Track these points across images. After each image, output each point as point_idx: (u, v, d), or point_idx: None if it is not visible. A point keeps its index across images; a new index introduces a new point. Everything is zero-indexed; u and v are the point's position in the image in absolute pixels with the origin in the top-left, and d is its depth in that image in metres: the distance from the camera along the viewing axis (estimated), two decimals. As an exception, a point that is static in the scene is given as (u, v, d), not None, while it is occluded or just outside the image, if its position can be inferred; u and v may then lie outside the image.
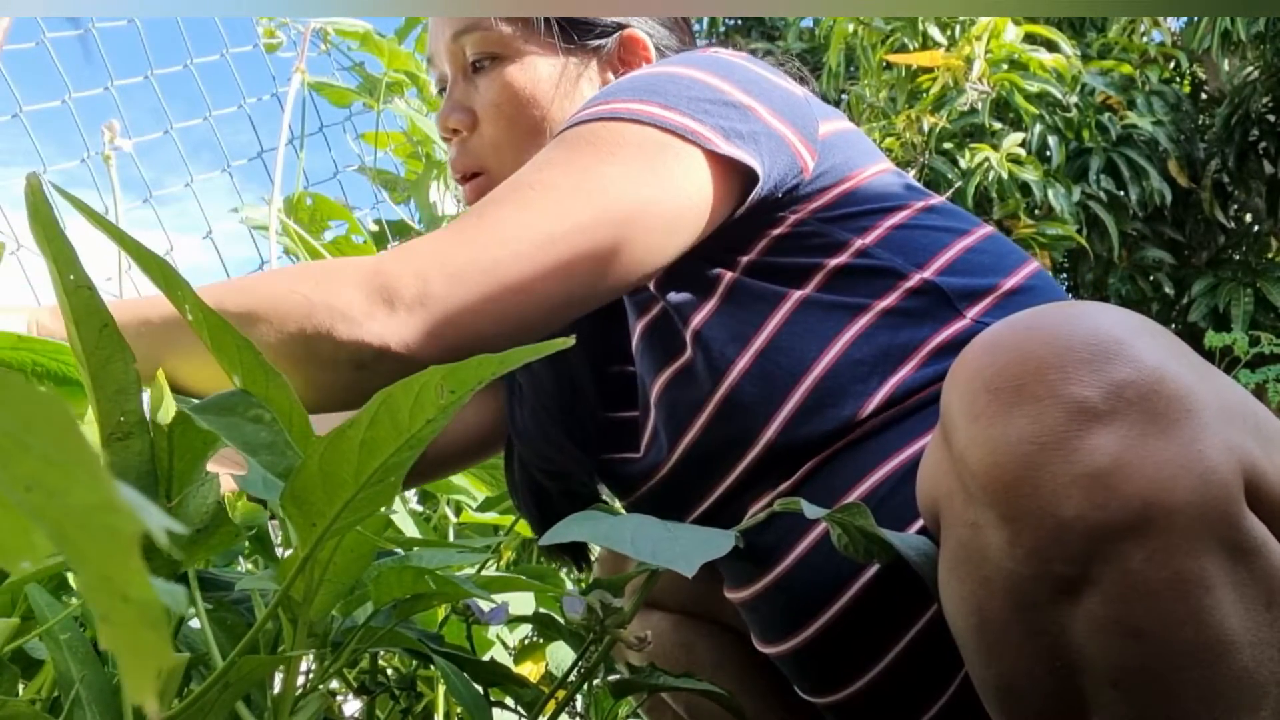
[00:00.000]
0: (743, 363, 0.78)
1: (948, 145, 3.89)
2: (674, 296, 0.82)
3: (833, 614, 0.74)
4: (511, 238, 0.69)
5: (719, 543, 0.56)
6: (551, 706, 0.68)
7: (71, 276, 0.49)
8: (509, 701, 0.83)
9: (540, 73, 0.88)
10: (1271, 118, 4.91)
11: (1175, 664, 0.48)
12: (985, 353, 0.54)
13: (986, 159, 3.71)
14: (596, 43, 0.91)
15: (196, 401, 0.53)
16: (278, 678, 0.57)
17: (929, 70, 4.04)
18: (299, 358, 0.65)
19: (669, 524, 0.59)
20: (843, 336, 0.76)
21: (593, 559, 1.03)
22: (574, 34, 0.90)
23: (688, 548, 0.54)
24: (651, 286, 0.84)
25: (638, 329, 0.86)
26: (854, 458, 0.75)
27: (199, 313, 0.52)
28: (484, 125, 0.89)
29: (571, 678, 0.69)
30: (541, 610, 0.99)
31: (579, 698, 1.25)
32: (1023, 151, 3.82)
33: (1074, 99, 4.20)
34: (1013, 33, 3.97)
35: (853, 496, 0.73)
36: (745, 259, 0.80)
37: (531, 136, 0.87)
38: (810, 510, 0.60)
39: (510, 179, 0.74)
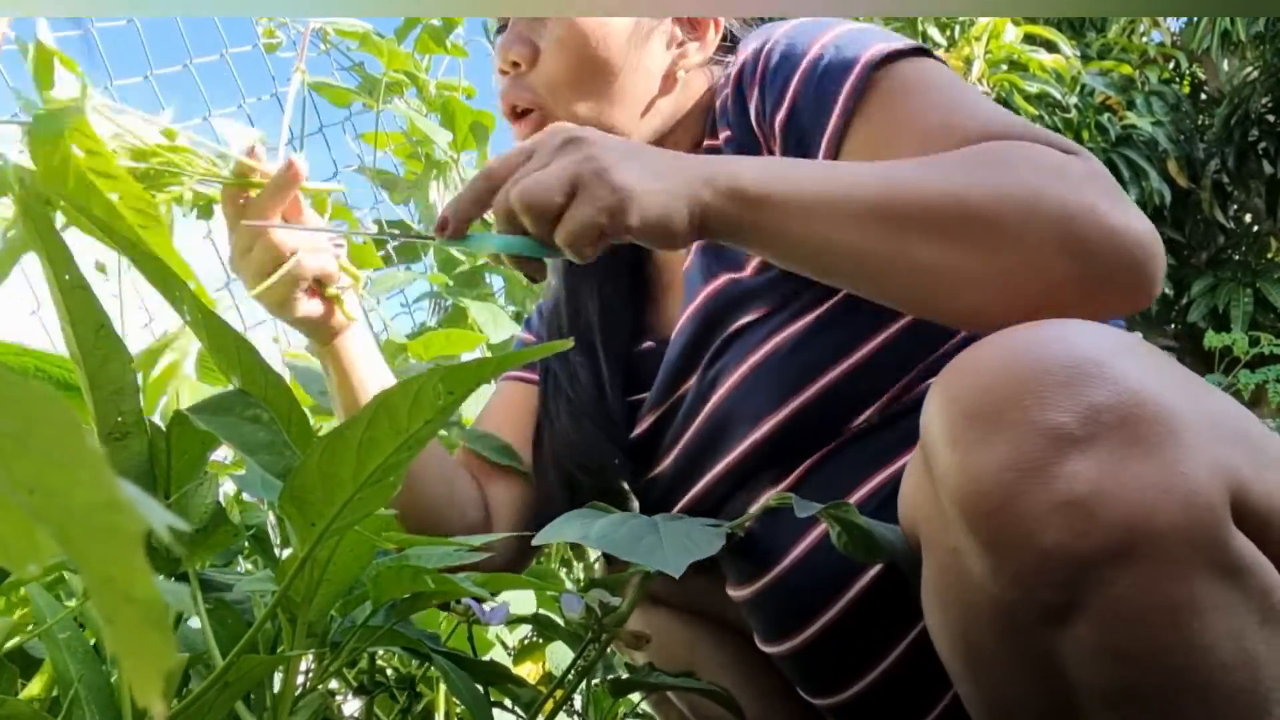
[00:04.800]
0: (806, 320, 0.77)
1: (947, 145, 3.88)
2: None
3: (832, 615, 0.74)
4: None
5: (708, 543, 0.56)
6: (550, 706, 0.68)
7: (67, 276, 0.49)
8: (507, 702, 0.83)
9: (614, 19, 0.85)
10: (1271, 118, 4.91)
11: (1170, 686, 0.48)
12: (963, 376, 0.53)
13: (986, 159, 3.71)
14: None
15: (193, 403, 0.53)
16: (277, 677, 0.57)
17: (928, 70, 4.03)
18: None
19: (660, 523, 0.59)
20: (888, 329, 0.77)
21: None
22: None
23: (675, 548, 0.54)
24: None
25: (708, 289, 0.84)
26: (858, 456, 0.75)
27: (197, 314, 0.52)
28: (546, 61, 0.84)
29: (569, 677, 0.69)
30: (541, 610, 0.99)
31: (577, 697, 1.25)
32: (1022, 152, 3.82)
33: (1073, 99, 4.21)
34: (1012, 33, 3.97)
35: (855, 497, 0.74)
36: None
37: (595, 80, 0.84)
38: (802, 507, 0.60)
39: (944, 124, 0.68)
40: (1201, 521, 0.47)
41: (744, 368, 0.80)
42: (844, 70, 0.74)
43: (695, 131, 0.89)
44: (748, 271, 0.81)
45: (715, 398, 0.82)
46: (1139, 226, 0.60)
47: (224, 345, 0.53)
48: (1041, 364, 0.50)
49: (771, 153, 0.79)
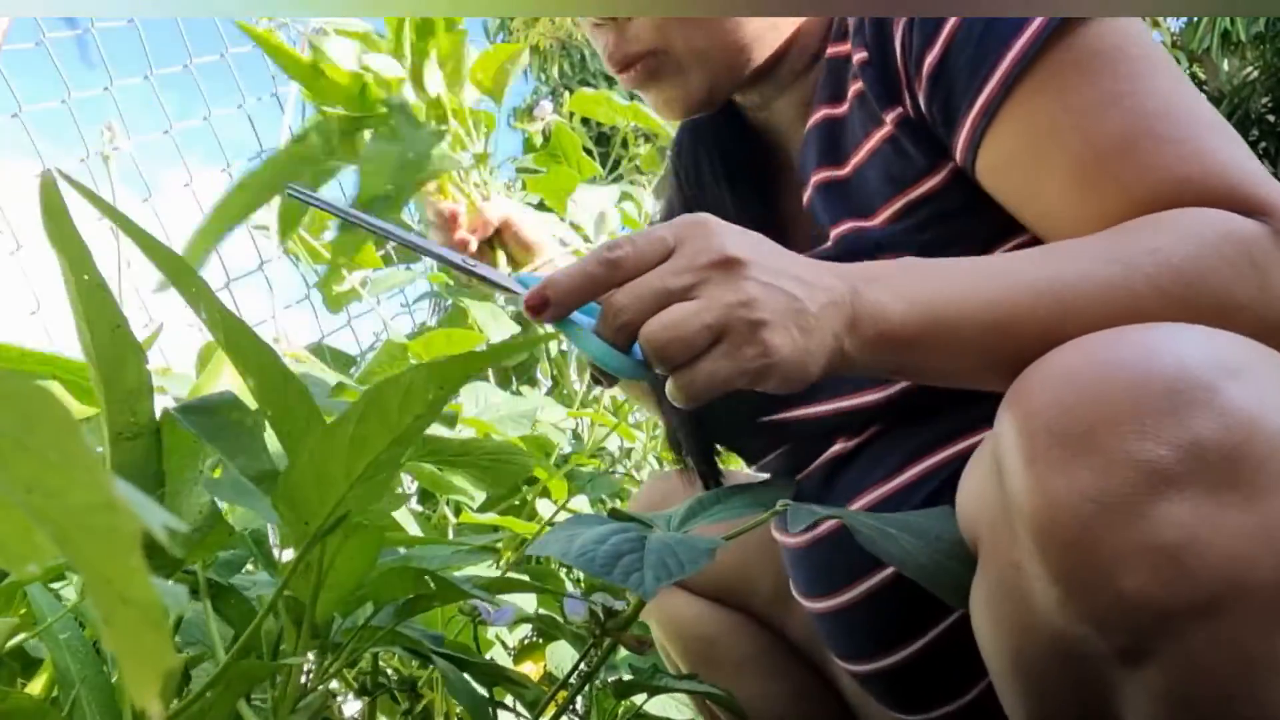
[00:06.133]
0: None
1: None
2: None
3: (883, 577, 0.71)
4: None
5: (693, 560, 0.53)
6: (552, 709, 0.68)
7: (86, 276, 0.48)
8: (508, 701, 0.83)
9: None
10: (1271, 118, 4.91)
11: None
12: (1052, 385, 0.48)
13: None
14: None
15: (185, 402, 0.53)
16: (279, 678, 0.57)
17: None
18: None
19: (648, 537, 0.57)
20: None
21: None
22: None
23: (654, 569, 0.52)
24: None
25: (833, 234, 0.75)
26: (941, 427, 0.71)
27: (215, 314, 0.51)
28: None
29: (572, 680, 0.69)
30: (541, 611, 0.99)
31: (579, 698, 1.25)
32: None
33: (1074, 99, 4.20)
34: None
35: (937, 459, 0.71)
36: None
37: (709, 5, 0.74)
38: (801, 514, 0.59)
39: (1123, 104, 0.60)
40: None
41: None
42: (1019, 17, 0.63)
43: (814, 39, 0.78)
44: (876, 221, 0.72)
45: None
46: None
47: (242, 349, 0.52)
48: (1143, 383, 0.45)
49: (914, 96, 0.69)
